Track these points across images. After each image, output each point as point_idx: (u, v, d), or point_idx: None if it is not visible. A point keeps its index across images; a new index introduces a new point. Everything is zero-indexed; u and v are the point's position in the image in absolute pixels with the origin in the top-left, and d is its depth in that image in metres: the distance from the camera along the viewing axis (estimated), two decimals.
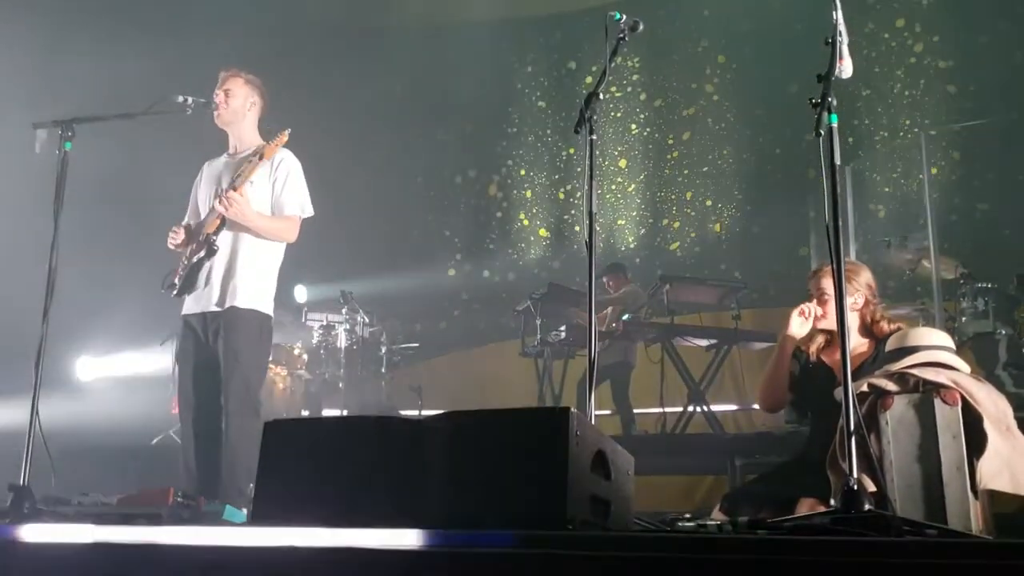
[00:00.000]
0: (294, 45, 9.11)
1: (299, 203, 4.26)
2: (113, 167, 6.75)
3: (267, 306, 4.24)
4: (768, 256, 8.40)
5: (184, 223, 4.43)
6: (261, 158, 4.11)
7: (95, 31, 7.57)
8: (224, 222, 4.14)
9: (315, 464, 2.30)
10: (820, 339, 3.66)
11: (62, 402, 7.21)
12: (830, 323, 3.54)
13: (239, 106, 4.33)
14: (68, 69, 7.06)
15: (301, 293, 8.47)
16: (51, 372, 3.59)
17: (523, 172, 9.94)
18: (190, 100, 4.13)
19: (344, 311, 7.84)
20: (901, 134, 8.00)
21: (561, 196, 9.59)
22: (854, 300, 3.54)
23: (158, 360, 7.42)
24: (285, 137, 4.16)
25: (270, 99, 4.46)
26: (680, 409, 6.46)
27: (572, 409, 2.07)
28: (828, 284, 3.52)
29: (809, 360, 3.64)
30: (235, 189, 4.05)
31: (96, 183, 5.83)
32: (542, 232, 9.69)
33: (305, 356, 7.87)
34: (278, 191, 4.23)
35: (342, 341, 7.82)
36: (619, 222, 9.32)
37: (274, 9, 8.80)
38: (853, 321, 3.55)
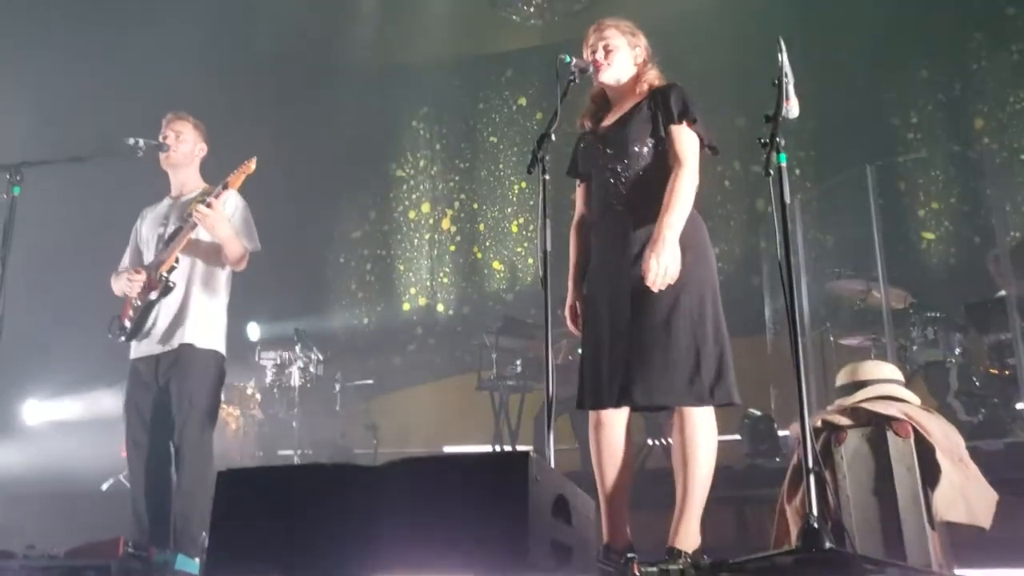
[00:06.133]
0: (243, 83, 9.07)
1: (248, 236, 4.23)
2: (60, 209, 6.64)
3: (222, 344, 4.18)
4: (722, 287, 8.46)
5: (120, 268, 4.33)
6: (226, 187, 4.05)
7: (40, 72, 7.47)
8: (178, 260, 4.08)
9: (270, 513, 2.25)
10: (591, 107, 3.60)
11: (8, 449, 7.06)
12: (601, 80, 3.50)
13: (188, 150, 4.31)
14: (15, 110, 6.96)
15: (254, 331, 8.36)
16: None
17: (476, 206, 9.96)
18: (141, 142, 4.08)
19: (297, 348, 7.76)
20: (847, 165, 8.15)
21: (514, 229, 9.62)
22: (635, 55, 3.52)
23: (107, 402, 7.27)
24: (252, 166, 4.09)
25: (220, 135, 4.43)
26: (638, 443, 6.46)
27: (531, 453, 2.05)
28: (608, 33, 3.50)
29: (585, 131, 3.58)
30: (207, 205, 3.98)
31: (42, 225, 5.73)
32: (496, 265, 9.70)
33: (258, 395, 7.77)
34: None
35: (295, 379, 7.72)
36: None
37: (222, 47, 8.76)
38: (629, 72, 3.52)
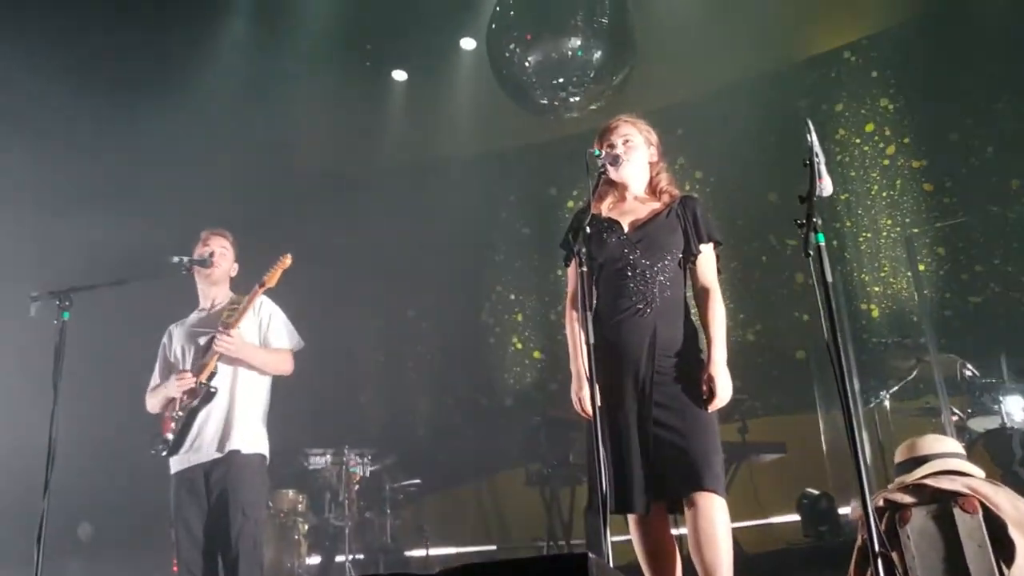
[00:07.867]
0: (277, 198, 9.27)
1: (289, 337, 4.30)
2: (109, 331, 6.76)
3: (266, 447, 4.22)
4: (766, 363, 8.39)
5: (152, 386, 4.37)
6: (262, 285, 4.16)
7: (81, 199, 7.66)
8: (216, 369, 4.11)
9: None
10: (610, 198, 3.64)
11: (67, 571, 7.07)
12: (621, 175, 3.58)
13: (228, 267, 4.41)
14: (60, 237, 7.14)
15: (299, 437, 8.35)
16: (52, 541, 3.53)
17: (512, 297, 9.99)
18: (185, 260, 4.18)
19: (345, 450, 7.73)
20: (884, 234, 8.10)
21: (552, 317, 9.61)
22: (651, 153, 3.69)
23: (157, 519, 7.27)
24: (287, 261, 4.20)
25: (256, 252, 4.52)
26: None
27: (590, 555, 2.02)
28: (628, 130, 3.66)
29: (601, 219, 3.55)
30: (227, 330, 4.05)
31: (93, 348, 5.82)
32: (536, 354, 9.67)
33: (307, 500, 7.73)
34: (265, 329, 4.27)
35: (344, 483, 7.68)
36: None
37: (255, 165, 8.97)
38: (643, 174, 3.66)
